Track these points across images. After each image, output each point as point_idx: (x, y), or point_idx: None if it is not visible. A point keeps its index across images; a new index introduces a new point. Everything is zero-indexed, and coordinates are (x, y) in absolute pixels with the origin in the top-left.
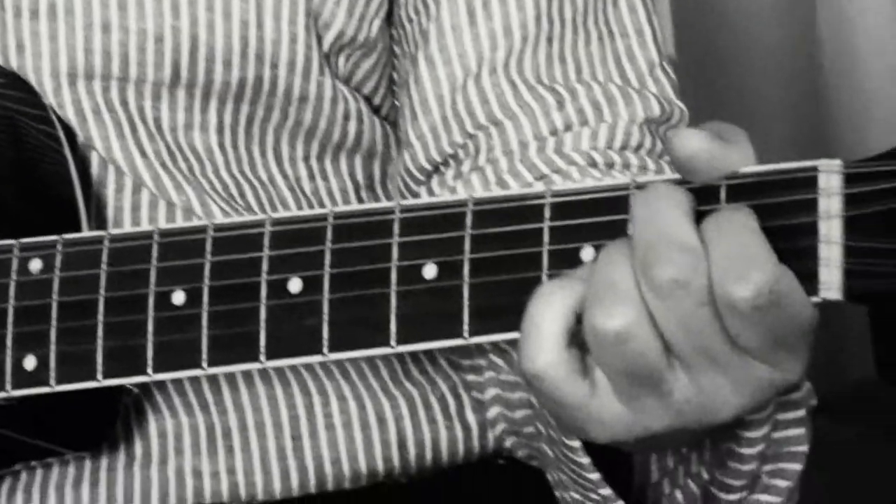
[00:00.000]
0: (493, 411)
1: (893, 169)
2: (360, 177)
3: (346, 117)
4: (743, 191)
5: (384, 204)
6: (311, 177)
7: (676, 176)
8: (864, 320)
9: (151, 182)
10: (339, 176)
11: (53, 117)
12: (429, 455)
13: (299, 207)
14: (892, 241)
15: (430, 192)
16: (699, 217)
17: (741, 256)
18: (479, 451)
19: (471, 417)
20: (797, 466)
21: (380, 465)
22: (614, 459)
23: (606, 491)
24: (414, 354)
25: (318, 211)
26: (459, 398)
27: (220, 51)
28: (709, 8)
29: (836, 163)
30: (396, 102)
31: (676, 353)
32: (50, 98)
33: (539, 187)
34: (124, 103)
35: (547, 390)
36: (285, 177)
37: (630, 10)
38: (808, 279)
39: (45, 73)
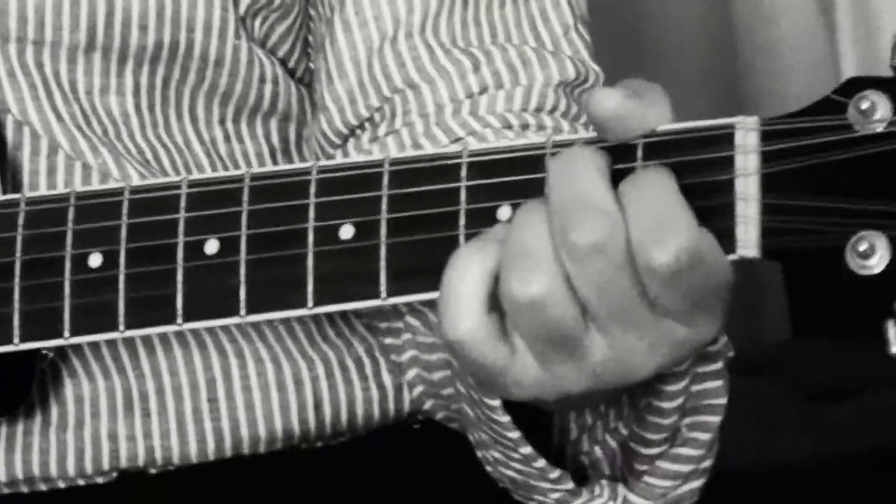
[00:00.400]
0: (410, 373)
1: (810, 125)
2: (275, 140)
3: (262, 80)
4: (660, 149)
5: (301, 165)
6: (227, 139)
7: (593, 135)
8: (780, 280)
9: (68, 145)
10: (254, 139)
11: None
12: (344, 416)
13: (214, 171)
14: (808, 198)
15: (346, 155)
16: (617, 177)
17: (659, 220)
18: (394, 412)
19: (387, 379)
20: (716, 419)
21: (296, 427)
22: (535, 418)
23: (526, 449)
24: (330, 317)
25: (234, 172)
26: (376, 360)
27: (136, 14)
28: None
29: (753, 119)
30: (312, 65)
31: (593, 316)
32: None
33: (456, 147)
34: (39, 66)
35: (469, 355)
36: (201, 140)
37: None
38: (726, 237)
39: None
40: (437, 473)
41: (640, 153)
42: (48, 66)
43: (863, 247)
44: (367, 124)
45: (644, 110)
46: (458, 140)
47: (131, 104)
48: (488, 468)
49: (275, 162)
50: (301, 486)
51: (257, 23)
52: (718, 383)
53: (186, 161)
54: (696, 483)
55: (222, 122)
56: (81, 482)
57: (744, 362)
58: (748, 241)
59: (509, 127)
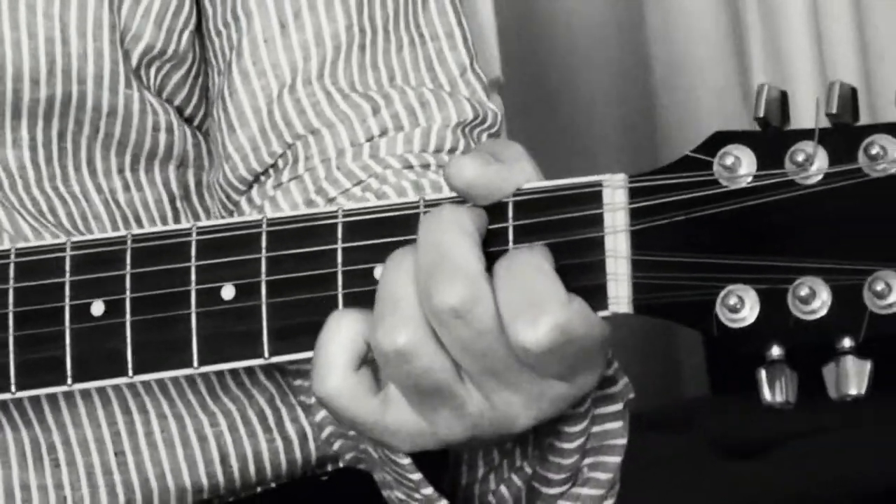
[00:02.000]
0: (320, 415)
1: (677, 181)
2: (174, 187)
3: (156, 128)
4: (530, 207)
5: (180, 225)
6: (126, 188)
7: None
8: (698, 340)
9: None
10: (153, 186)
11: None
12: (252, 468)
13: (113, 221)
14: (677, 254)
15: (250, 202)
16: (491, 238)
17: (530, 300)
18: (301, 461)
19: (290, 428)
20: (616, 459)
21: (204, 481)
22: (440, 459)
23: (428, 490)
24: (232, 370)
25: (116, 234)
26: (278, 410)
27: (27, 69)
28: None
29: (621, 177)
30: (212, 114)
31: (465, 371)
32: None
33: (332, 207)
34: None
35: (337, 410)
36: (99, 190)
37: (440, 13)
38: (598, 294)
39: None
40: None
41: (510, 212)
42: None
43: (732, 300)
44: (270, 170)
45: (505, 173)
46: (359, 183)
47: (28, 157)
48: (389, 496)
49: (174, 209)
50: None
51: (152, 72)
52: (618, 424)
53: (84, 212)
54: (611, 494)
55: (121, 171)
56: None
57: (663, 419)
58: (619, 297)
59: (410, 167)
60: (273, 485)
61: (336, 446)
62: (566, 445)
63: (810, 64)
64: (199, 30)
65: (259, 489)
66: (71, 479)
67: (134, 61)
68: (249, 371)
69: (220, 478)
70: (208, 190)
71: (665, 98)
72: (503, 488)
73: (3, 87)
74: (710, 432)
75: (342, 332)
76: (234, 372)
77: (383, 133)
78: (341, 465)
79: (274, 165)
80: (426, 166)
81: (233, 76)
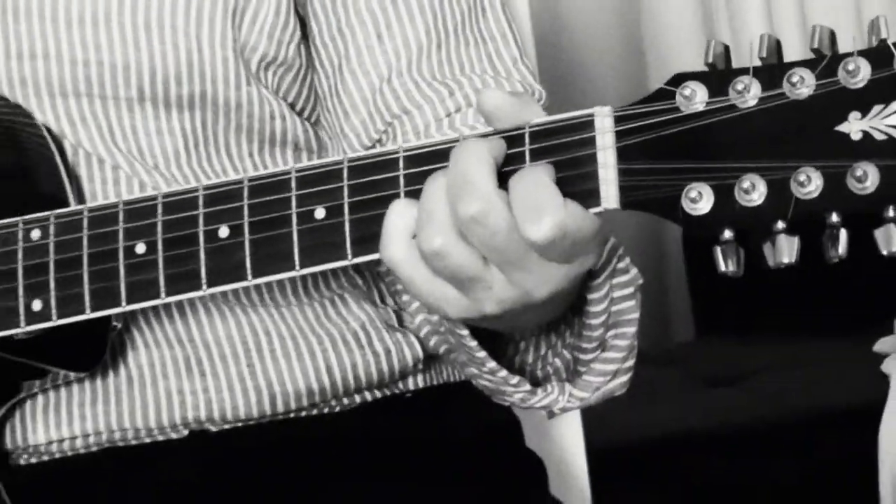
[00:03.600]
0: (418, 318)
1: (650, 109)
2: None
3: (272, 117)
4: (542, 134)
5: (282, 168)
6: (255, 168)
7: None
8: (685, 290)
9: (128, 168)
10: (276, 167)
11: (43, 129)
12: (350, 376)
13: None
14: (651, 162)
15: None
16: (510, 160)
17: (534, 205)
18: (387, 372)
19: (378, 346)
20: (632, 329)
21: (314, 386)
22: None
23: (491, 363)
24: (332, 300)
25: (237, 177)
26: (368, 333)
27: (172, 73)
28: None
29: (608, 108)
30: (326, 107)
31: (490, 260)
32: (48, 112)
33: (394, 145)
34: (106, 114)
35: (398, 271)
36: (235, 170)
37: (495, 21)
38: (592, 195)
39: (45, 95)
40: (427, 433)
41: (527, 138)
42: (112, 114)
43: (693, 194)
44: (377, 145)
45: (520, 106)
46: None
47: (181, 143)
48: (473, 381)
49: None
50: (324, 449)
51: (269, 75)
52: (631, 303)
53: None
54: (623, 378)
55: (251, 154)
56: (157, 434)
57: (656, 357)
58: (609, 197)
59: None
60: (367, 395)
61: (432, 342)
62: (593, 321)
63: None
64: (304, 41)
65: (356, 397)
66: (214, 385)
67: (253, 67)
68: (346, 302)
69: (326, 384)
70: None
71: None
72: (557, 360)
73: (155, 87)
74: (696, 367)
75: (399, 213)
76: (334, 302)
77: (457, 110)
78: (435, 354)
79: (379, 140)
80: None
81: (344, 75)
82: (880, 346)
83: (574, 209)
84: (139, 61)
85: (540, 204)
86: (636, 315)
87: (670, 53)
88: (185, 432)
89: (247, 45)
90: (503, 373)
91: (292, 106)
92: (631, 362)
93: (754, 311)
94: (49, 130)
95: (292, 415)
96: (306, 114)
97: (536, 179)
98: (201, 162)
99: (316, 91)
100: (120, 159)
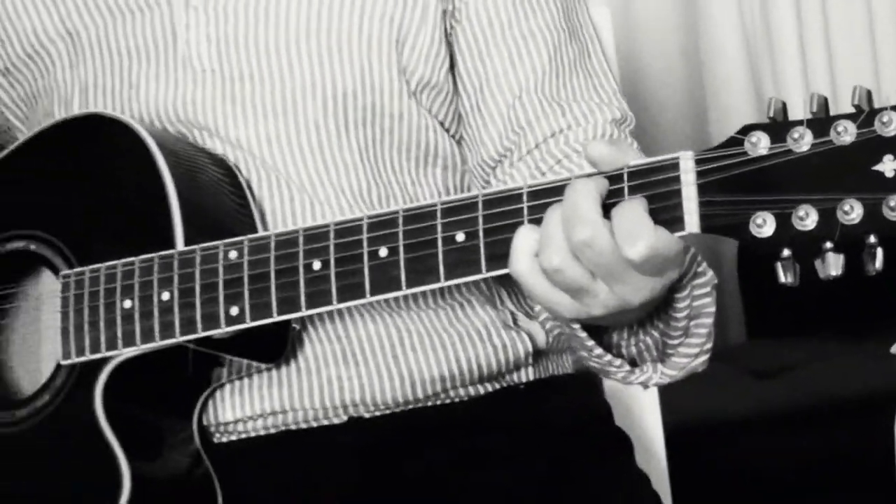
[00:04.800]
0: (543, 315)
1: (723, 153)
2: (440, 187)
3: (427, 129)
4: (637, 173)
5: (429, 201)
6: (413, 183)
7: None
8: (738, 299)
9: (309, 188)
10: (428, 184)
11: (234, 167)
12: (474, 366)
13: (405, 203)
14: (724, 195)
15: (496, 177)
16: (612, 195)
17: (630, 231)
18: (504, 363)
19: (496, 341)
20: (709, 320)
21: (446, 373)
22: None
23: (598, 350)
24: (461, 304)
25: (394, 208)
26: (489, 330)
27: (350, 89)
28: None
29: (690, 153)
30: (468, 123)
31: (596, 275)
32: (250, 129)
33: (519, 182)
34: (297, 132)
35: (523, 283)
36: (398, 183)
37: (598, 62)
38: (678, 222)
39: (249, 112)
40: (537, 417)
41: (625, 178)
42: (303, 131)
43: (759, 221)
44: (507, 153)
45: (619, 153)
46: (558, 162)
47: (357, 157)
48: (583, 362)
49: None
50: (454, 431)
51: (424, 96)
52: (708, 299)
53: (388, 195)
54: (703, 358)
55: (409, 171)
56: (322, 418)
57: (714, 354)
58: (691, 223)
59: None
60: (488, 387)
61: (554, 332)
62: (678, 315)
63: (800, 83)
64: (451, 68)
65: (479, 388)
66: (366, 373)
67: (412, 86)
68: (473, 305)
69: (455, 372)
70: (464, 191)
71: (714, 114)
72: (647, 338)
73: (336, 100)
74: (746, 363)
75: (524, 236)
76: (463, 306)
77: (570, 127)
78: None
79: (509, 149)
80: None
81: (484, 94)
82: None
83: (663, 234)
84: (323, 79)
85: (636, 230)
86: (713, 308)
87: (728, 104)
88: (345, 417)
89: (407, 68)
90: (608, 357)
91: (441, 124)
92: (709, 345)
93: (794, 316)
94: (237, 166)
95: (429, 402)
96: (451, 132)
97: (633, 210)
98: (373, 174)
99: (459, 112)
100: (304, 177)
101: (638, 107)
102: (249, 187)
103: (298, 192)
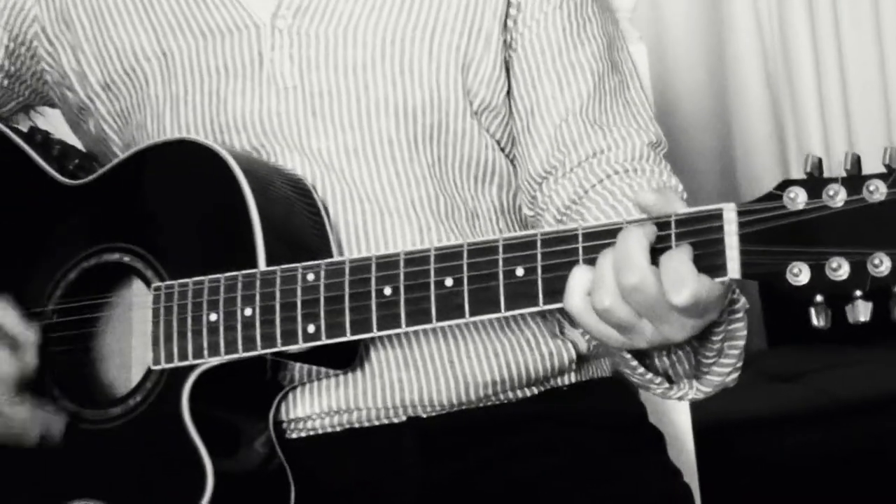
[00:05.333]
0: (587, 336)
1: (764, 206)
2: (496, 203)
3: (486, 147)
4: (683, 222)
5: (492, 237)
6: (473, 199)
7: (643, 216)
8: (759, 313)
9: (381, 199)
10: (485, 199)
11: (314, 193)
12: (523, 371)
13: (467, 219)
14: (763, 245)
15: (542, 192)
16: (660, 241)
17: (676, 279)
18: (550, 369)
19: (544, 349)
20: (741, 342)
21: (497, 377)
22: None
23: (640, 369)
24: (513, 316)
25: (459, 241)
26: (537, 339)
27: (419, 108)
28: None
29: (733, 205)
30: (519, 142)
31: (642, 315)
32: (331, 141)
33: (573, 224)
34: (373, 147)
35: (576, 318)
36: (461, 197)
37: (636, 93)
38: (720, 268)
39: (329, 126)
40: (578, 416)
41: (673, 224)
42: (377, 146)
43: (795, 270)
44: (553, 170)
45: (665, 203)
46: (601, 181)
47: (428, 173)
48: (625, 377)
49: (498, 219)
50: (506, 430)
51: (483, 117)
52: (741, 324)
53: (452, 210)
54: (734, 375)
55: (469, 188)
56: (384, 417)
57: None
58: (733, 270)
59: (626, 171)
60: (535, 389)
61: (594, 342)
62: (714, 338)
63: (841, 140)
64: (508, 94)
65: (527, 391)
66: (424, 376)
67: (475, 107)
68: (524, 316)
69: (506, 376)
70: (518, 211)
71: (743, 175)
72: (680, 352)
73: (408, 117)
74: (767, 368)
75: (579, 276)
76: (515, 317)
77: (610, 148)
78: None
79: (555, 167)
80: (634, 170)
81: (535, 117)
82: None
83: (706, 282)
84: (395, 97)
85: (682, 278)
86: (745, 332)
87: (753, 157)
88: (404, 417)
89: (470, 90)
90: (649, 375)
91: (497, 143)
92: (740, 364)
93: (809, 327)
94: (314, 186)
95: (481, 404)
96: (506, 152)
97: (680, 259)
98: (440, 187)
99: (513, 134)
100: (377, 188)
101: (668, 132)
102: (325, 207)
103: (370, 202)
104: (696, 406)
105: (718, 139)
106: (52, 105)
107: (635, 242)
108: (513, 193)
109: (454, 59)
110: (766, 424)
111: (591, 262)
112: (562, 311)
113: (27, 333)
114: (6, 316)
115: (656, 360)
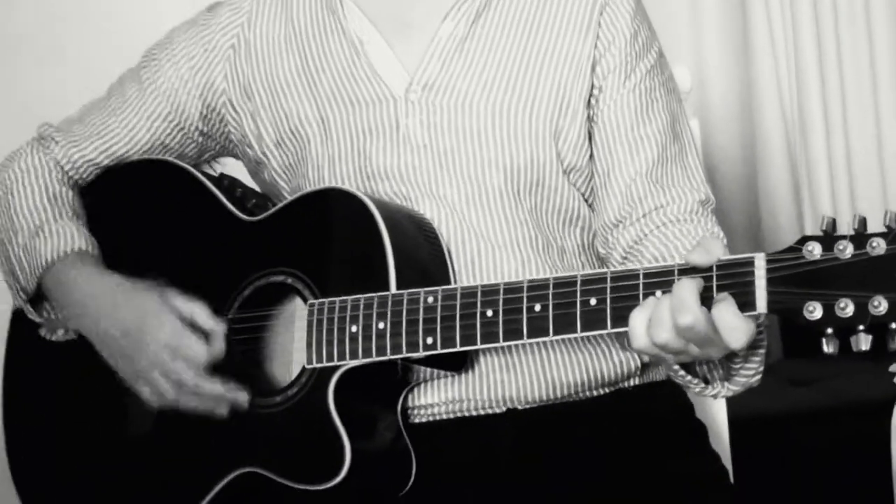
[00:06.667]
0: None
1: (786, 256)
2: (579, 241)
3: (573, 198)
4: (724, 266)
5: (571, 273)
6: (562, 238)
7: (690, 265)
8: (777, 333)
9: (492, 237)
10: (572, 239)
11: (437, 231)
12: (599, 374)
13: (557, 254)
14: (786, 287)
15: (614, 236)
16: (707, 290)
17: (729, 324)
18: (620, 373)
19: (615, 358)
20: (763, 350)
21: (577, 379)
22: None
23: (684, 374)
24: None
25: (545, 276)
26: (610, 350)
27: (522, 165)
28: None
29: (762, 255)
30: (598, 193)
31: (693, 343)
32: (455, 191)
33: (635, 266)
34: (486, 199)
35: (640, 350)
36: (553, 237)
37: (692, 158)
38: (752, 305)
39: (454, 177)
40: (641, 410)
41: (714, 276)
42: (490, 199)
43: (811, 308)
44: (622, 220)
45: (710, 256)
46: (657, 228)
47: (530, 226)
48: (671, 378)
49: (580, 255)
50: (584, 421)
51: (571, 175)
52: (763, 335)
53: (546, 245)
54: (758, 377)
55: (560, 230)
56: (487, 408)
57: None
58: (761, 306)
59: (679, 221)
60: (606, 389)
61: (649, 359)
62: (740, 351)
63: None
64: (590, 157)
65: (601, 390)
66: (521, 376)
67: (564, 167)
68: (602, 338)
69: (585, 379)
70: (591, 248)
71: (768, 222)
72: (717, 361)
73: (513, 174)
74: (785, 374)
75: (639, 319)
76: (589, 339)
77: (668, 204)
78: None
79: (624, 217)
80: (687, 220)
81: (610, 177)
82: (894, 367)
83: (752, 325)
84: (503, 158)
85: (736, 327)
86: (765, 342)
87: (774, 217)
88: (504, 409)
89: (561, 154)
90: (689, 377)
91: (582, 195)
92: (762, 368)
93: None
94: (438, 229)
95: (565, 400)
96: (588, 202)
97: (725, 303)
98: (538, 229)
99: (592, 188)
100: (489, 228)
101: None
102: (447, 243)
103: (483, 239)
104: (730, 403)
105: (748, 198)
106: (236, 157)
107: (688, 290)
108: (592, 234)
109: (548, 129)
110: (785, 419)
111: (647, 295)
112: (625, 335)
113: (217, 327)
114: (202, 312)
115: (696, 368)
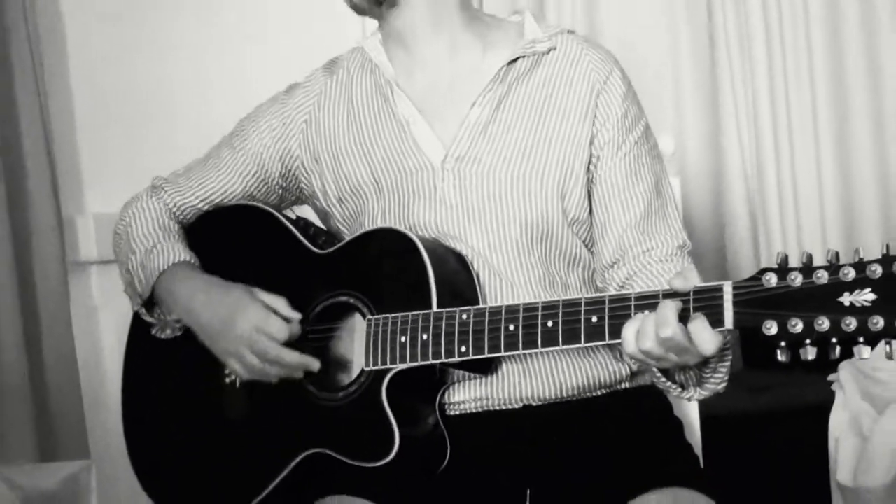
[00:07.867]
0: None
1: (749, 284)
2: (580, 279)
3: (576, 245)
4: (699, 292)
5: (575, 297)
6: (566, 276)
7: (672, 289)
8: (737, 345)
9: (510, 276)
10: (575, 277)
11: (468, 261)
12: (597, 379)
13: (562, 289)
14: (749, 309)
15: (610, 275)
16: (685, 311)
17: (700, 337)
18: (614, 378)
19: (610, 366)
20: (728, 362)
21: (581, 384)
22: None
23: (668, 383)
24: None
25: (554, 299)
26: (607, 360)
27: (535, 221)
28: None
29: (730, 283)
30: (597, 241)
31: (672, 352)
32: (484, 239)
33: (627, 291)
34: (508, 247)
35: (630, 355)
36: (559, 277)
37: (671, 210)
38: (721, 322)
39: (483, 225)
40: (631, 408)
41: (692, 297)
42: (512, 247)
43: (768, 325)
44: (615, 263)
45: (688, 283)
46: (644, 267)
47: (540, 267)
48: (654, 383)
49: (580, 288)
50: (586, 416)
51: (574, 226)
52: (729, 349)
53: (553, 282)
54: (724, 384)
55: (564, 270)
56: (507, 405)
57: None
58: (729, 323)
59: (662, 261)
60: (604, 391)
61: (637, 367)
62: (711, 361)
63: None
64: (589, 212)
65: (599, 392)
66: (536, 378)
67: (568, 220)
68: (598, 347)
69: (587, 383)
70: (591, 283)
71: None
72: (691, 371)
73: (528, 228)
74: (744, 382)
75: (630, 330)
76: (590, 347)
77: (652, 249)
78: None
79: (617, 260)
80: (668, 260)
81: (605, 228)
82: (832, 377)
83: (720, 338)
84: (519, 215)
85: (708, 339)
86: (731, 356)
87: (738, 246)
88: (521, 405)
89: (566, 210)
90: (669, 383)
91: (583, 242)
92: (727, 376)
93: (772, 355)
94: (470, 262)
95: (570, 399)
96: (588, 247)
97: (699, 322)
98: (546, 270)
99: (592, 236)
100: (508, 269)
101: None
102: (477, 275)
103: (503, 278)
104: (702, 405)
105: (717, 239)
106: (308, 205)
107: (669, 310)
108: (591, 272)
109: (556, 191)
110: (746, 418)
111: (637, 312)
112: (619, 345)
113: (295, 315)
114: (283, 304)
115: (675, 375)
